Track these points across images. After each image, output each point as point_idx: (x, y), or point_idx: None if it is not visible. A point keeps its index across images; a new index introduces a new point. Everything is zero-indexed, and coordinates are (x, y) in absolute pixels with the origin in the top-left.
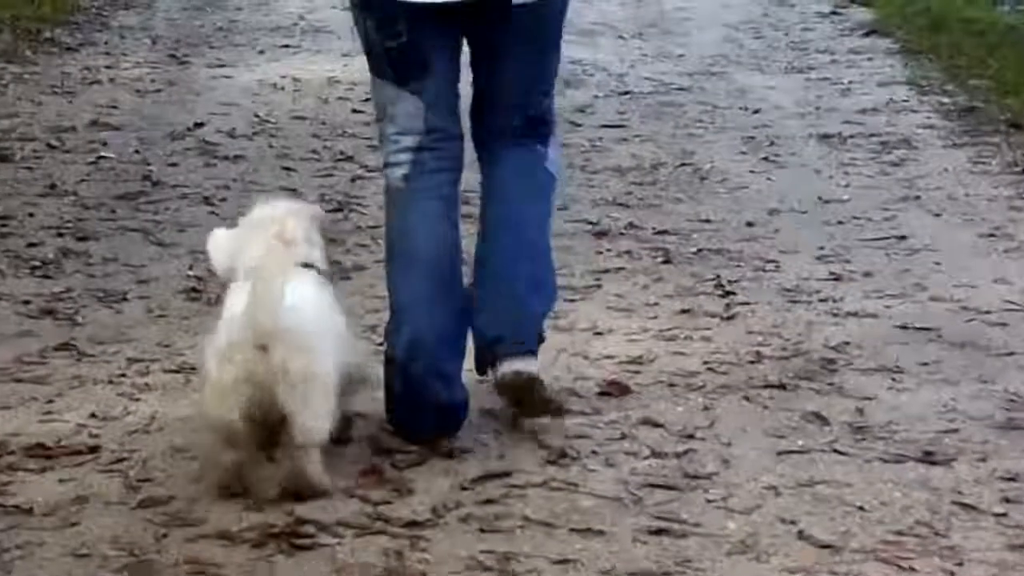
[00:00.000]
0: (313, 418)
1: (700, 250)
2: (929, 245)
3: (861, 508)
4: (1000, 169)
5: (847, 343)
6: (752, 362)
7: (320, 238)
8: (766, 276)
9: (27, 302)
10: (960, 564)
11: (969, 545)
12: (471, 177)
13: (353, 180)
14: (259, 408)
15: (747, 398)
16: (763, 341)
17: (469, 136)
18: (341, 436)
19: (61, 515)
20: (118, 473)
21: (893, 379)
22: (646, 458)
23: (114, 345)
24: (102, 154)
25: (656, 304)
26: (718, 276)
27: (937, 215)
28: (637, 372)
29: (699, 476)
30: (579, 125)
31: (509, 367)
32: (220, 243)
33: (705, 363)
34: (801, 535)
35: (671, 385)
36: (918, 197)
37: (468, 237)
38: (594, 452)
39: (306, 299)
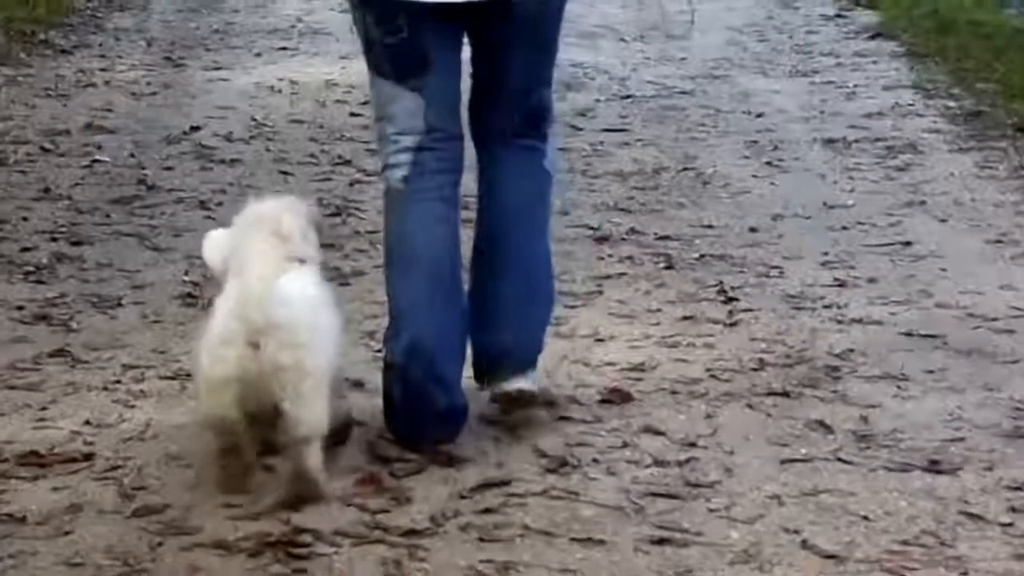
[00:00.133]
0: (308, 411)
1: (703, 256)
2: (935, 251)
3: (866, 517)
4: (1007, 174)
5: (851, 350)
6: (755, 369)
7: (315, 234)
8: (769, 282)
9: (20, 308)
10: (966, 574)
11: (975, 555)
12: (470, 180)
13: (351, 184)
14: (253, 404)
15: (750, 406)
16: (766, 348)
17: (469, 137)
18: (340, 437)
19: (55, 524)
20: (113, 481)
21: (898, 387)
22: (648, 466)
23: (109, 351)
24: (96, 158)
25: (658, 310)
26: (721, 282)
27: (943, 220)
28: (639, 379)
29: (701, 485)
30: (580, 129)
31: (510, 385)
32: (215, 242)
33: (708, 370)
34: (805, 545)
35: (673, 392)
36: (924, 202)
37: (466, 242)
38: (595, 460)
39: (299, 294)
